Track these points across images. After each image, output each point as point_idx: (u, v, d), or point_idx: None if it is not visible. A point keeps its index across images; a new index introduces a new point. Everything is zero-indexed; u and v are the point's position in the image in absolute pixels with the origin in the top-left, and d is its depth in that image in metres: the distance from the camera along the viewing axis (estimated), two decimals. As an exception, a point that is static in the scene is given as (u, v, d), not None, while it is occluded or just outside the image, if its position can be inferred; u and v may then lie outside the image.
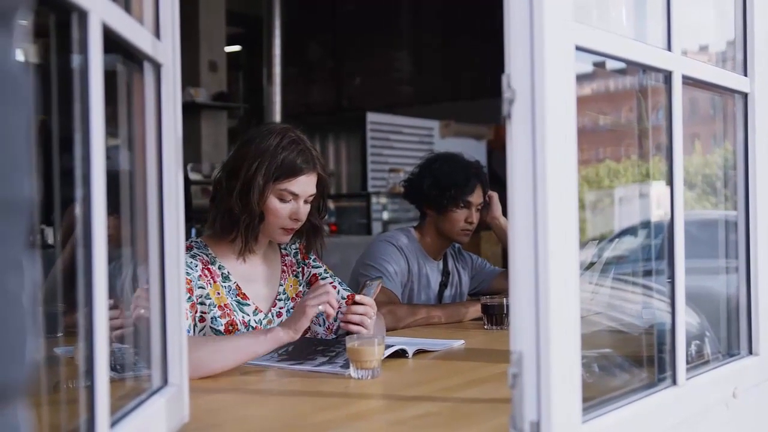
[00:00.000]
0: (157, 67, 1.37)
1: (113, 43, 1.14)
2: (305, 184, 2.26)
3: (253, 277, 2.33)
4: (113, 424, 1.12)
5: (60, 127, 1.06)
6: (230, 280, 2.27)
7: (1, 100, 0.57)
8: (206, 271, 2.21)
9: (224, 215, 2.24)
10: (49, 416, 1.20)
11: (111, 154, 1.12)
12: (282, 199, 2.24)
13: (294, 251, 2.47)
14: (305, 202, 2.28)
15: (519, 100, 1.20)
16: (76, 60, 1.04)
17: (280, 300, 2.37)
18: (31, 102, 0.61)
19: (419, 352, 2.22)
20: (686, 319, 1.58)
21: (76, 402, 1.12)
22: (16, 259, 0.59)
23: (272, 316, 2.33)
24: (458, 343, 2.39)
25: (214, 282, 2.23)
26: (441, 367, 2.13)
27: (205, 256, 2.24)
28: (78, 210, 1.03)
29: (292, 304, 2.38)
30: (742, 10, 1.82)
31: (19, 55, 0.61)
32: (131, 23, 1.21)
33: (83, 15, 1.01)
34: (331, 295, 2.05)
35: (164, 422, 1.33)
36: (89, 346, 1.02)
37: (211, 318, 2.19)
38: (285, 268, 2.43)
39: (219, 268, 2.26)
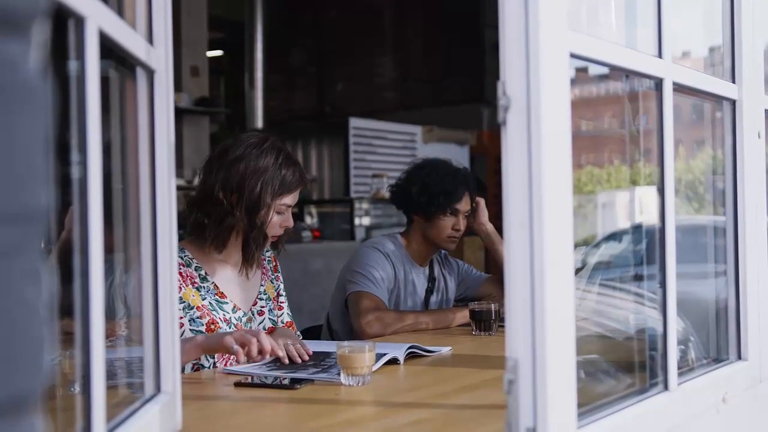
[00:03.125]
0: (150, 73, 1.36)
1: (106, 48, 1.13)
2: (297, 196, 2.39)
3: (233, 277, 2.39)
4: (108, 432, 1.11)
5: (55, 132, 1.05)
6: (208, 281, 2.33)
7: (19, 109, 0.57)
8: (179, 275, 2.23)
9: (227, 231, 2.31)
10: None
11: (103, 160, 1.11)
12: (279, 213, 2.35)
13: (268, 259, 2.56)
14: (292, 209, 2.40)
15: (514, 107, 1.20)
16: (71, 66, 1.04)
17: (261, 299, 2.46)
18: (48, 110, 0.61)
19: (411, 357, 2.22)
20: (674, 325, 1.58)
21: (68, 410, 1.11)
22: (33, 269, 0.59)
23: (253, 314, 2.41)
24: (446, 350, 2.39)
25: (187, 285, 2.28)
26: (431, 374, 2.13)
27: (179, 259, 2.26)
28: (75, 216, 1.02)
29: (272, 305, 2.49)
30: (729, 18, 1.84)
31: (37, 63, 0.61)
32: (126, 29, 1.21)
33: (80, 21, 1.01)
34: (252, 345, 2.00)
35: (158, 430, 1.32)
36: (86, 354, 1.02)
37: (190, 320, 2.24)
38: (264, 270, 2.51)
39: (195, 270, 2.32)
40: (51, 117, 0.62)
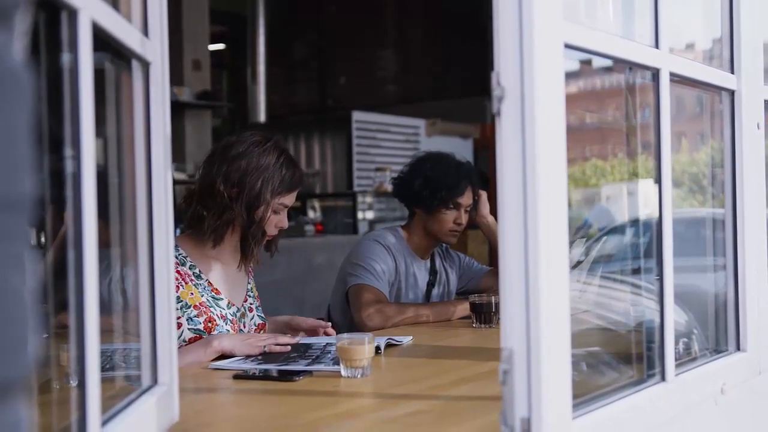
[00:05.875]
0: (145, 65, 1.37)
1: (101, 41, 1.13)
2: (294, 197, 2.42)
3: (224, 275, 2.42)
4: (104, 423, 1.11)
5: (48, 126, 1.05)
6: (202, 278, 2.35)
7: (2, 98, 0.57)
8: (176, 274, 2.25)
9: (225, 225, 2.33)
10: (39, 416, 1.19)
11: (99, 154, 1.12)
12: (275, 212, 2.37)
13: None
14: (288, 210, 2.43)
15: (508, 97, 1.20)
16: (65, 58, 1.04)
17: (250, 296, 2.51)
18: (31, 100, 0.61)
19: (389, 346, 2.27)
20: (674, 317, 1.58)
21: (65, 402, 1.11)
22: (18, 256, 0.60)
23: (245, 310, 2.46)
24: (407, 339, 2.43)
25: (186, 283, 2.30)
26: (430, 366, 2.13)
27: (174, 253, 2.28)
28: (68, 211, 1.02)
29: (258, 303, 2.54)
30: (728, 8, 1.83)
31: (20, 53, 0.61)
32: (120, 21, 1.21)
33: (73, 13, 1.01)
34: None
35: (154, 421, 1.33)
36: (80, 347, 1.02)
37: (188, 319, 2.26)
38: (250, 269, 2.55)
39: (190, 268, 2.35)
40: (34, 106, 0.62)
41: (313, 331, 2.49)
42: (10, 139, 0.57)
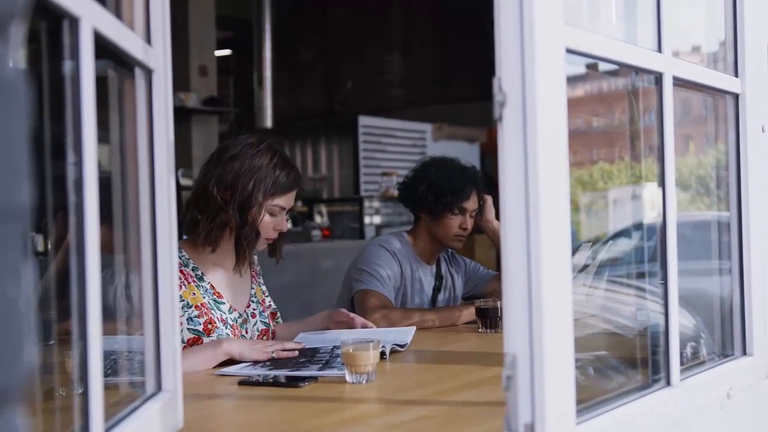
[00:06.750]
0: (148, 72, 1.37)
1: (104, 48, 1.14)
2: (292, 199, 2.41)
3: (227, 280, 2.43)
4: (107, 430, 1.11)
5: (50, 133, 1.05)
6: (205, 281, 2.36)
7: None
8: (179, 273, 2.26)
9: (219, 228, 2.33)
10: (44, 423, 1.20)
11: (101, 160, 1.12)
12: (272, 214, 2.37)
13: (255, 262, 2.61)
14: (287, 213, 2.42)
15: (510, 103, 1.20)
16: (67, 66, 1.04)
17: (253, 301, 2.50)
18: (28, 109, 0.62)
19: (393, 352, 2.26)
20: (681, 321, 1.58)
21: (70, 409, 1.12)
22: (14, 265, 0.60)
23: (247, 316, 2.45)
24: (411, 331, 2.46)
25: (189, 283, 2.31)
26: (435, 371, 2.13)
27: (177, 260, 2.30)
28: (71, 217, 1.03)
29: (261, 308, 2.52)
30: (732, 11, 1.83)
31: (16, 62, 0.61)
32: (122, 29, 1.21)
33: (74, 21, 1.01)
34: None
35: (158, 428, 1.33)
36: (83, 353, 1.02)
37: (188, 319, 2.27)
38: (254, 274, 2.55)
39: (193, 270, 2.35)
40: (31, 116, 0.63)
41: (347, 324, 2.51)
42: (6, 149, 0.57)
